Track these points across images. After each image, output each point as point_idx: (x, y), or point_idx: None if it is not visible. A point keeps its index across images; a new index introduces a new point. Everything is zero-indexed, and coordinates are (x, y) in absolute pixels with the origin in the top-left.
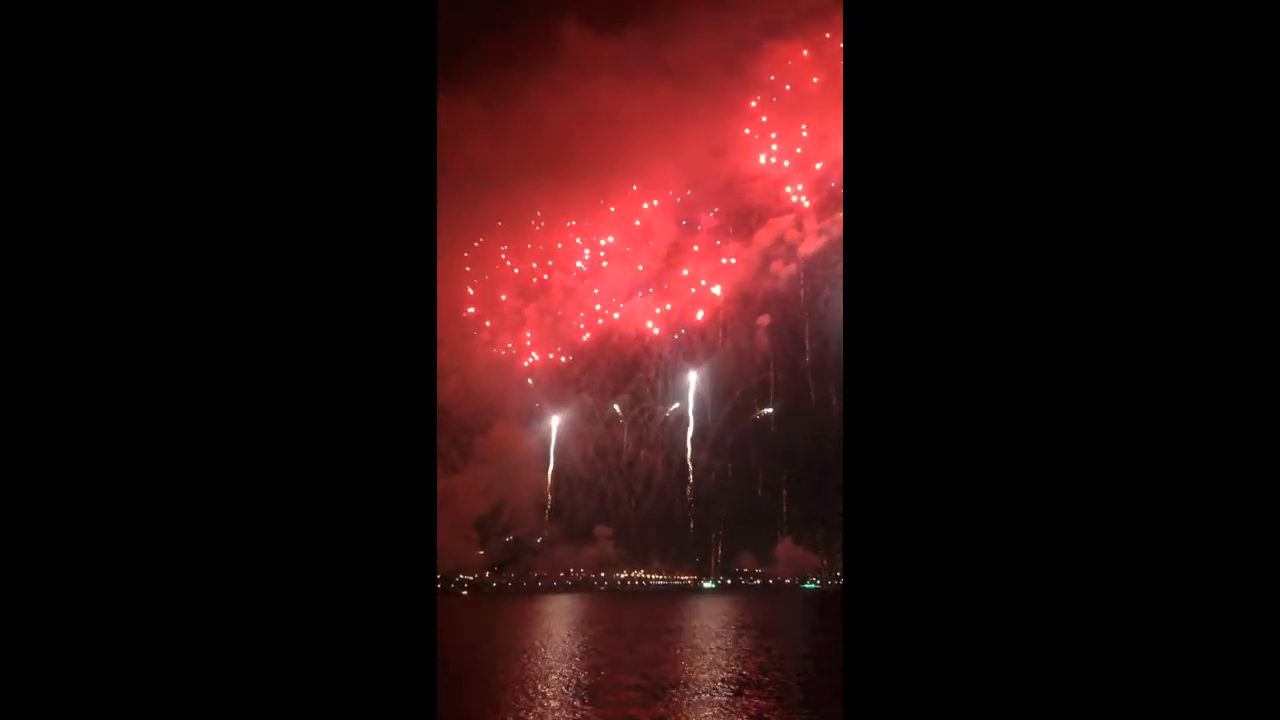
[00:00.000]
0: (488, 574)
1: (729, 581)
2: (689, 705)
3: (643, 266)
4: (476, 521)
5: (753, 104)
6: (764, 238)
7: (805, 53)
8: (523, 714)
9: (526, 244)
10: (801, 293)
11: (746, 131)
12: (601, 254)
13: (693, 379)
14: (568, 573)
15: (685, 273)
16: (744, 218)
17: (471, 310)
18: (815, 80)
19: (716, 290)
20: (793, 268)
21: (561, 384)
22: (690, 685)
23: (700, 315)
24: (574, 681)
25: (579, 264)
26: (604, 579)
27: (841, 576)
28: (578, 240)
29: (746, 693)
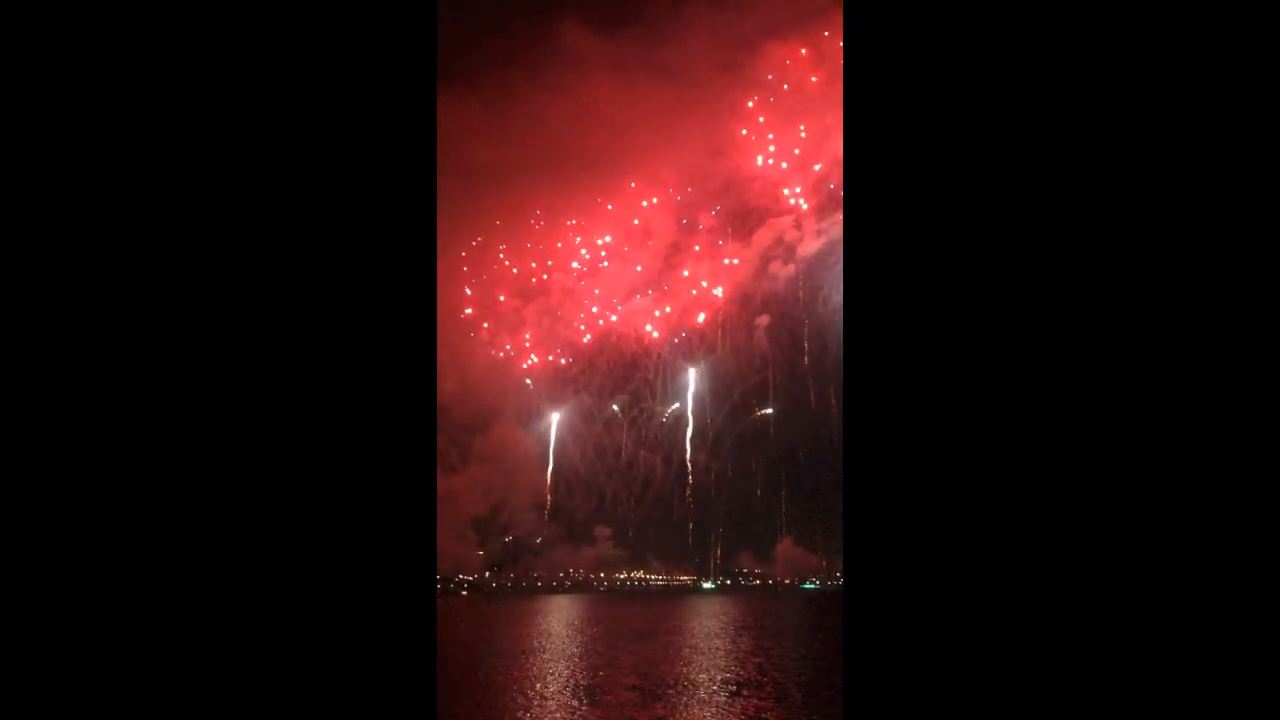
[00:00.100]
0: (487, 574)
1: (728, 582)
2: (687, 706)
3: (641, 267)
4: (475, 522)
5: (750, 104)
6: (763, 238)
7: (804, 52)
8: (521, 715)
9: (525, 244)
10: (800, 293)
11: (744, 132)
12: (601, 254)
13: (692, 379)
14: (567, 573)
15: (685, 273)
16: (743, 218)
17: (470, 311)
18: (814, 80)
19: (718, 291)
20: (791, 268)
21: (561, 384)
22: (689, 686)
23: (701, 318)
24: (573, 682)
25: (576, 265)
26: (603, 579)
27: (841, 577)
28: (577, 240)
29: (745, 693)
